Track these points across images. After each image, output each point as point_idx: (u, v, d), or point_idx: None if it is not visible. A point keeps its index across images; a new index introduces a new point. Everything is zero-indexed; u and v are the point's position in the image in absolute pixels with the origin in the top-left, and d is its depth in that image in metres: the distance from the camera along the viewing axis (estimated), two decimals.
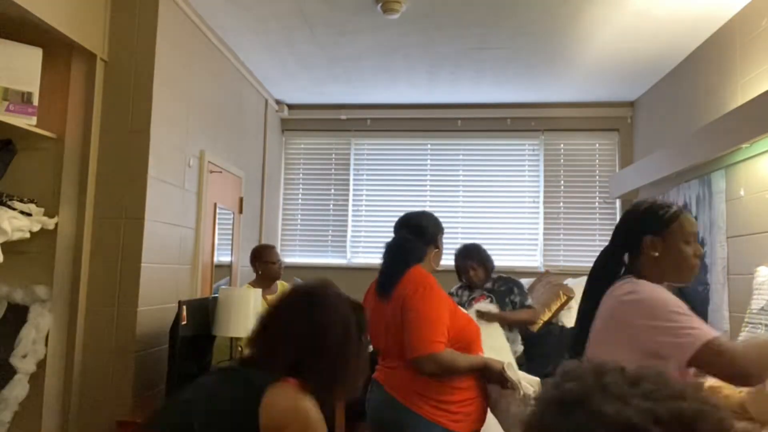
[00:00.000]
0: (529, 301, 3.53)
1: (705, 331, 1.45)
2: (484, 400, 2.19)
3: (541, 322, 3.79)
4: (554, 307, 3.84)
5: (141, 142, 2.88)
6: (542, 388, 0.64)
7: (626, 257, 1.74)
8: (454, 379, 2.09)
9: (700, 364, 1.43)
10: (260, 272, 3.57)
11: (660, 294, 1.54)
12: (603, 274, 1.75)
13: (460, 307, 2.49)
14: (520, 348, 3.47)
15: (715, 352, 1.41)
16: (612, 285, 1.68)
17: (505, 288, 3.51)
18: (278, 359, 1.39)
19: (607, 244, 1.83)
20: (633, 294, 1.57)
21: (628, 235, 1.73)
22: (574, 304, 3.88)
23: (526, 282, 4.32)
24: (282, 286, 3.71)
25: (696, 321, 1.48)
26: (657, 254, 1.65)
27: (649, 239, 1.66)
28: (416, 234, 2.33)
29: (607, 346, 1.59)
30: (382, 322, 2.22)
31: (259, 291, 3.30)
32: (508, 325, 3.33)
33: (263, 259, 3.57)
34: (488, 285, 3.52)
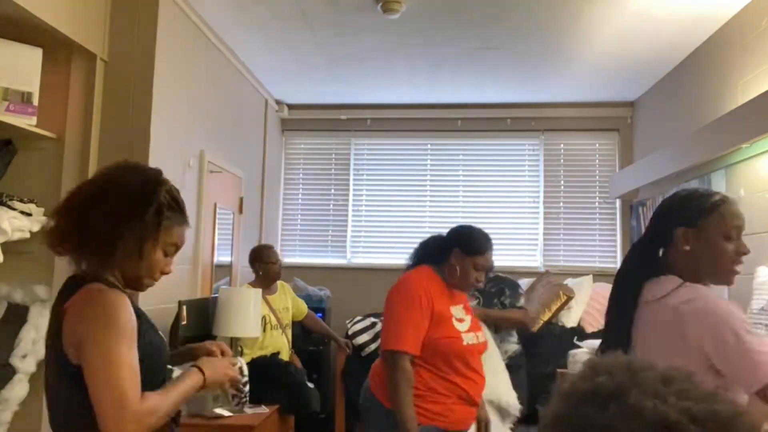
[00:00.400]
0: (521, 303, 3.50)
1: None
2: (463, 406, 2.18)
3: (542, 322, 3.78)
4: (554, 307, 3.83)
5: (141, 142, 2.88)
6: (569, 381, 0.63)
7: (660, 253, 1.57)
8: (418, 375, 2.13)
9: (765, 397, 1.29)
10: (260, 272, 3.57)
11: (727, 306, 1.40)
12: (636, 272, 1.56)
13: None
14: (514, 347, 3.44)
15: None
16: (646, 283, 1.52)
17: (495, 289, 3.46)
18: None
19: (635, 241, 1.68)
20: (696, 302, 1.41)
21: (659, 226, 1.55)
22: (574, 304, 3.88)
23: (525, 282, 4.32)
24: (282, 286, 3.72)
25: (766, 342, 1.35)
26: (688, 248, 1.47)
27: (681, 231, 1.48)
28: (443, 239, 2.33)
29: (661, 356, 1.46)
30: None
31: (259, 291, 3.30)
32: (494, 326, 3.29)
33: (263, 260, 3.57)
34: (480, 285, 3.48)
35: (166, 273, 1.48)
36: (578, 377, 0.63)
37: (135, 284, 1.46)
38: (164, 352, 1.47)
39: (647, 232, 1.61)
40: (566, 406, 0.61)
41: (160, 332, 1.49)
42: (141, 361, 1.30)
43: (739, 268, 1.52)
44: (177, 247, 1.46)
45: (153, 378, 1.36)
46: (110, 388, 1.22)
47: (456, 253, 2.24)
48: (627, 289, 1.57)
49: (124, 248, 1.34)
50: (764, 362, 1.30)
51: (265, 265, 3.56)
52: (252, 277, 3.71)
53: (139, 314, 1.39)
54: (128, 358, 1.26)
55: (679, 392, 0.57)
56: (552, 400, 0.64)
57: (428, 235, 2.42)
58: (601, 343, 1.71)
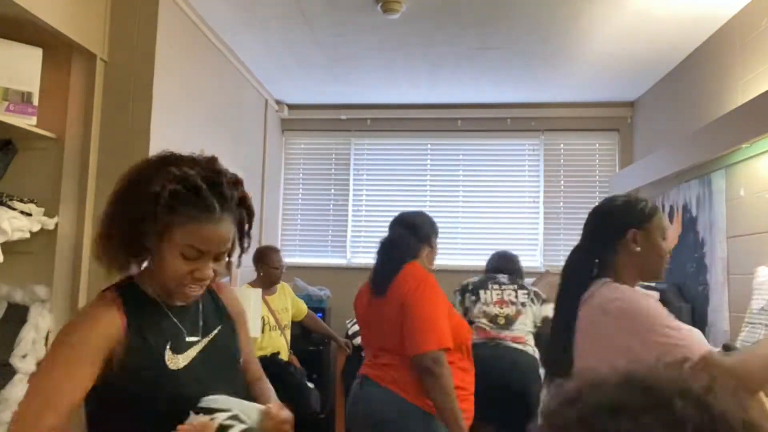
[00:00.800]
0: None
1: (696, 346, 1.40)
2: (472, 400, 2.22)
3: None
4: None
5: (141, 142, 2.87)
6: (573, 387, 0.61)
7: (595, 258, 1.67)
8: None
9: None
10: (261, 274, 3.57)
11: (648, 303, 1.49)
12: (576, 277, 1.66)
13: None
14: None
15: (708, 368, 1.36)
16: (585, 288, 1.60)
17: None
18: None
19: (574, 247, 1.75)
20: (618, 302, 1.50)
21: (607, 229, 1.65)
22: None
23: (525, 282, 4.31)
24: (282, 286, 3.72)
25: (685, 333, 1.44)
26: (638, 248, 1.59)
27: (633, 232, 1.60)
28: (410, 231, 2.34)
29: (592, 361, 1.50)
30: (378, 319, 2.23)
31: (259, 291, 3.30)
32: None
33: (267, 262, 3.57)
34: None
35: (201, 279, 1.21)
36: (585, 386, 0.61)
37: (167, 294, 1.25)
38: (154, 378, 1.19)
39: (589, 236, 1.69)
40: (578, 415, 0.58)
41: (180, 356, 1.23)
42: (117, 387, 1.13)
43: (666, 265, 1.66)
44: (196, 249, 1.17)
45: (139, 407, 1.16)
46: (18, 408, 1.10)
47: (431, 240, 2.35)
48: (571, 293, 1.64)
49: (142, 252, 1.19)
50: (680, 353, 1.38)
51: (267, 268, 3.56)
52: (252, 276, 3.71)
53: (137, 333, 1.18)
54: (47, 381, 1.09)
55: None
56: (557, 403, 0.62)
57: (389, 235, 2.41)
58: (546, 349, 1.78)
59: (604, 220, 1.67)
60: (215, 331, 1.34)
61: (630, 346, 1.45)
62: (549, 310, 3.47)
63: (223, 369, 1.31)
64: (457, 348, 2.14)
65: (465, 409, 2.10)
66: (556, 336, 1.67)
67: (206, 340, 1.31)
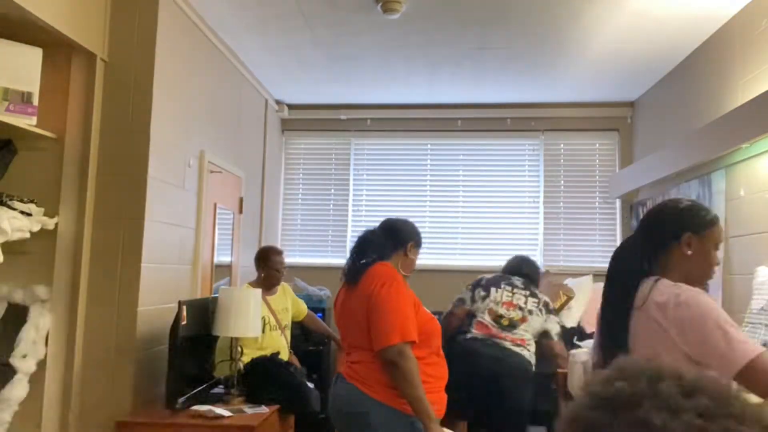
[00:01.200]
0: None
1: (753, 346, 1.43)
2: (443, 393, 2.26)
3: None
4: (555, 307, 3.84)
5: (141, 142, 2.88)
6: (593, 380, 0.61)
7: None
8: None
9: (744, 380, 1.40)
10: (263, 275, 3.57)
11: (708, 301, 1.52)
12: (633, 273, 1.67)
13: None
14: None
15: (761, 369, 1.39)
16: (638, 285, 1.63)
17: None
18: None
19: (623, 241, 1.77)
20: (680, 297, 1.53)
21: (667, 230, 1.68)
22: (574, 304, 3.89)
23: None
24: (282, 287, 3.71)
25: (744, 334, 1.47)
26: (690, 253, 1.64)
27: (688, 236, 1.65)
28: (387, 234, 2.38)
29: (648, 351, 1.54)
30: (349, 316, 2.28)
31: (259, 291, 3.30)
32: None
33: (269, 264, 3.56)
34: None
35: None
36: (602, 379, 0.61)
37: None
38: None
39: (649, 234, 1.71)
40: (582, 408, 0.59)
41: None
42: None
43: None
44: None
45: None
46: None
47: (408, 247, 2.36)
48: (624, 289, 1.66)
49: None
50: (737, 350, 1.42)
51: (269, 270, 3.56)
52: (253, 276, 3.71)
53: None
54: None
55: (701, 408, 0.53)
56: (576, 397, 0.62)
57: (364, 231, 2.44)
58: (598, 347, 1.77)
59: (665, 220, 1.71)
60: None
61: (682, 338, 1.49)
62: (552, 323, 3.46)
63: None
64: (424, 343, 2.18)
65: (434, 401, 2.13)
66: (612, 336, 1.68)
67: None
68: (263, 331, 3.36)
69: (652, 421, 0.53)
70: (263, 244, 4.63)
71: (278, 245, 5.13)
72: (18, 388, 2.55)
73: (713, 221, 1.68)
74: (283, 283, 3.72)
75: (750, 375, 1.39)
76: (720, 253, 1.71)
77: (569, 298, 3.87)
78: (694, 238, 1.65)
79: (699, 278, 1.67)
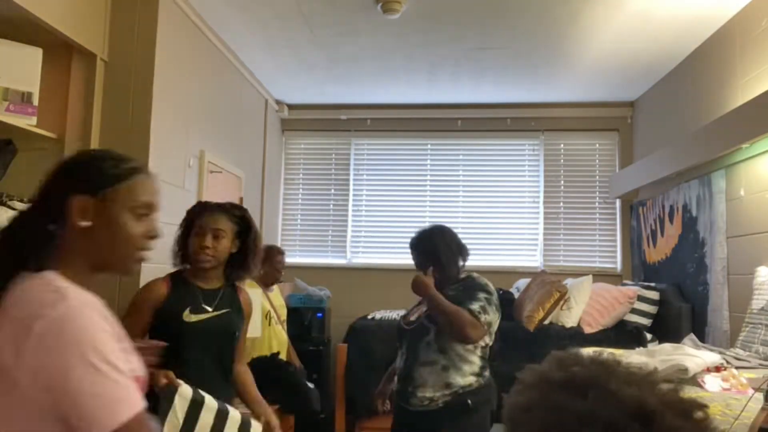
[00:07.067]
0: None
1: (136, 398, 1.02)
2: None
3: (536, 320, 3.78)
4: (548, 306, 3.81)
5: (141, 142, 2.88)
6: (537, 372, 0.66)
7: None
8: None
9: None
10: (263, 272, 3.58)
11: (90, 315, 1.06)
12: (7, 257, 1.11)
13: None
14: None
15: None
16: (17, 276, 1.07)
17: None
18: None
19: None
20: (54, 309, 1.01)
21: (50, 192, 1.14)
22: (574, 304, 3.87)
23: (523, 282, 4.31)
24: (277, 287, 3.74)
25: (126, 378, 1.02)
26: (88, 224, 1.12)
27: (78, 200, 1.11)
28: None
29: None
30: None
31: (260, 291, 3.30)
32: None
33: (271, 264, 3.57)
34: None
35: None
36: (547, 368, 0.66)
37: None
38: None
39: (35, 201, 1.16)
40: (540, 395, 0.62)
41: None
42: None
43: (144, 254, 1.20)
44: None
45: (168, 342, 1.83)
46: None
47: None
48: None
49: None
50: (121, 398, 0.99)
51: (271, 268, 3.57)
52: None
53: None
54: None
55: (650, 382, 0.62)
56: (518, 390, 0.66)
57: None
58: None
59: (51, 178, 1.16)
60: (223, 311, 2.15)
61: (49, 377, 0.97)
62: None
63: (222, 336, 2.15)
64: None
65: None
66: None
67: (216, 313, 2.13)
68: (269, 325, 3.38)
69: (624, 393, 0.59)
70: (264, 244, 4.63)
71: (278, 245, 5.14)
72: None
73: (123, 174, 1.15)
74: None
75: None
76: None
77: (562, 295, 3.84)
78: (90, 202, 1.12)
79: (115, 263, 1.18)
